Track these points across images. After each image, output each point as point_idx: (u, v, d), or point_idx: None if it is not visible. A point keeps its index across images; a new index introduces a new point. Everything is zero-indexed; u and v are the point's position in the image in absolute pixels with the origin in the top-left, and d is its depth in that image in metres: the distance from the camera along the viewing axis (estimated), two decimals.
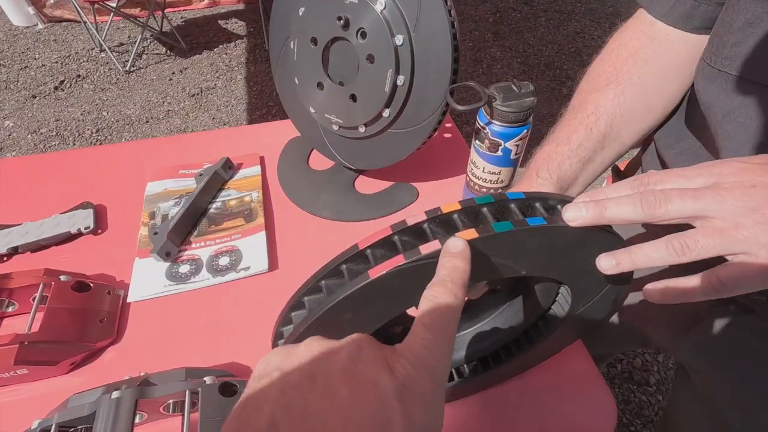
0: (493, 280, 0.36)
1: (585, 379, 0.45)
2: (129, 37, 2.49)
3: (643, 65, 0.42)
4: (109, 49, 2.25)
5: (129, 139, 1.88)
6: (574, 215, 0.25)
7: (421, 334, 0.20)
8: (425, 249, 0.22)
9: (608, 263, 0.26)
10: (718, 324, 0.45)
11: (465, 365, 0.40)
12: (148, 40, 2.44)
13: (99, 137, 1.89)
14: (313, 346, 0.21)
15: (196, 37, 2.49)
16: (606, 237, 0.27)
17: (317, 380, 0.19)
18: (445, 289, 0.22)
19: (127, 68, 2.23)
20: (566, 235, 0.25)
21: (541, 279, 0.35)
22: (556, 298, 0.35)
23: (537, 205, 0.26)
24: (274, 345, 0.28)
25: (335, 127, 0.57)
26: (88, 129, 1.92)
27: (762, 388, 0.43)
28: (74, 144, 1.85)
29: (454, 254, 0.23)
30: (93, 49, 2.36)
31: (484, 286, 0.37)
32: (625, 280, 0.32)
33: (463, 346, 0.40)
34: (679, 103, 0.44)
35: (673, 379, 1.09)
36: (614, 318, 0.59)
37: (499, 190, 0.53)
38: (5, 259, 0.54)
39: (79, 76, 2.20)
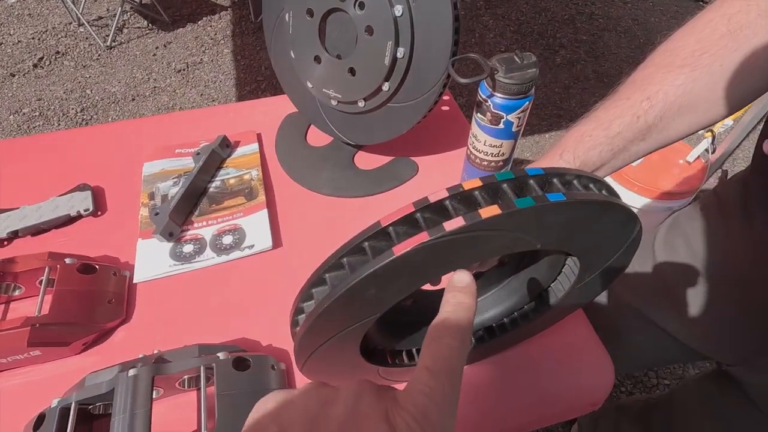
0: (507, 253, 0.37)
1: (584, 344, 0.47)
2: (108, 10, 2.38)
3: (734, 51, 0.35)
4: (88, 23, 2.16)
5: (116, 118, 1.83)
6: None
7: (424, 381, 0.19)
8: (449, 226, 0.23)
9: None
10: None
11: (471, 336, 0.41)
12: (128, 13, 2.34)
13: (84, 116, 1.84)
14: (310, 397, 0.20)
15: (178, 9, 2.39)
16: (620, 210, 0.27)
17: None
18: (448, 330, 0.20)
19: (108, 43, 2.15)
20: (584, 210, 0.26)
21: (550, 251, 0.35)
22: (563, 269, 0.36)
23: (555, 180, 0.26)
24: (294, 320, 0.29)
25: (333, 102, 0.57)
26: (73, 108, 1.86)
27: None
28: (59, 124, 1.80)
29: (459, 289, 0.22)
30: (71, 23, 2.26)
31: (495, 260, 0.38)
32: (633, 250, 0.33)
33: None
34: None
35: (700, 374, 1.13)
36: (663, 338, 0.58)
37: (501, 164, 0.53)
38: (5, 243, 0.54)
39: (58, 52, 2.12)
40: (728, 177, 0.51)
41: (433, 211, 0.24)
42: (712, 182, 1.27)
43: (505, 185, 0.25)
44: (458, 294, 0.22)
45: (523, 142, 1.78)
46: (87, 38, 2.19)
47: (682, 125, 0.38)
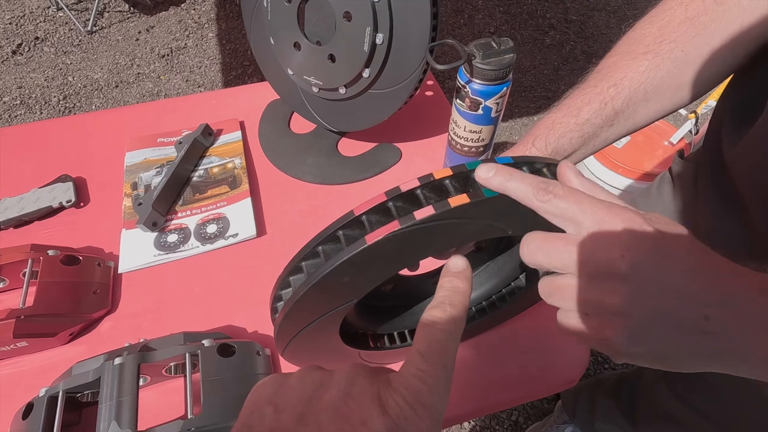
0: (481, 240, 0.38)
1: None
2: None
3: (693, 36, 0.36)
4: (67, 7, 2.09)
5: (99, 106, 1.80)
6: (483, 175, 0.24)
7: (417, 364, 0.19)
8: (420, 214, 0.23)
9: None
10: None
11: None
12: None
13: (67, 104, 1.80)
14: (305, 380, 0.20)
15: None
16: None
17: (307, 422, 0.18)
18: (443, 313, 0.21)
19: (89, 28, 2.09)
20: None
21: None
22: None
23: (524, 169, 0.27)
24: (273, 308, 0.29)
25: (315, 89, 0.56)
26: (55, 96, 1.82)
27: None
28: (41, 113, 1.77)
29: (454, 274, 0.22)
30: (49, 7, 2.19)
31: (471, 246, 0.39)
32: None
33: None
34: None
35: None
36: None
37: (481, 149, 0.54)
38: None
39: (37, 38, 2.06)
40: (683, 156, 0.52)
41: (404, 200, 0.25)
42: None
43: (475, 174, 0.26)
44: (453, 279, 0.23)
45: (512, 125, 1.78)
46: (66, 23, 2.12)
47: (649, 111, 0.38)
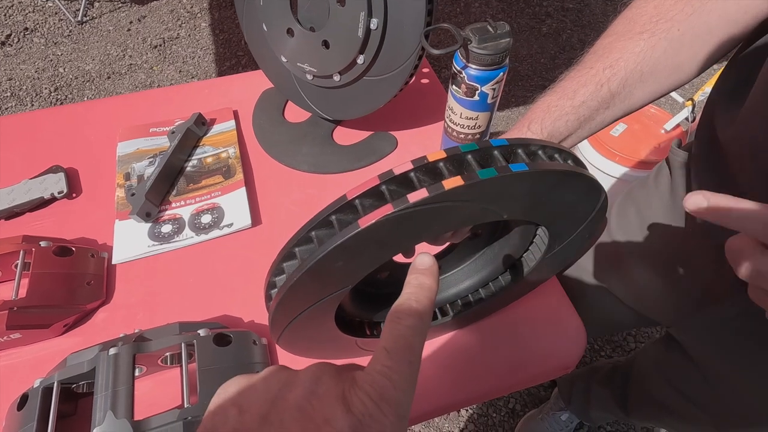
0: (476, 224, 0.38)
1: (558, 310, 0.48)
2: None
3: (690, 15, 0.35)
4: None
5: (91, 97, 1.78)
6: (693, 205, 0.23)
7: (382, 361, 0.19)
8: (413, 197, 0.23)
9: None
10: (735, 310, 0.46)
11: (449, 305, 0.42)
12: None
13: (58, 96, 1.78)
14: (271, 381, 0.20)
15: None
16: (585, 180, 0.28)
17: (272, 421, 0.18)
18: (409, 309, 0.21)
19: (80, 18, 2.05)
20: (547, 180, 0.26)
21: (519, 222, 0.36)
22: (534, 240, 0.37)
23: (519, 151, 0.26)
24: (267, 295, 0.29)
25: (309, 77, 0.56)
26: (46, 88, 1.80)
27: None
28: (32, 105, 1.74)
29: (421, 271, 0.22)
30: None
31: (467, 231, 0.38)
32: (600, 219, 0.33)
33: (448, 287, 0.42)
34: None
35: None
36: (617, 304, 0.60)
37: (478, 136, 0.53)
38: None
39: (26, 29, 2.02)
40: (680, 146, 0.51)
41: (398, 183, 0.24)
42: None
43: (469, 156, 0.25)
44: (420, 276, 0.23)
45: (509, 115, 1.77)
46: (56, 13, 2.09)
47: (645, 92, 0.38)
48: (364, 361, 0.46)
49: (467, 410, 1.10)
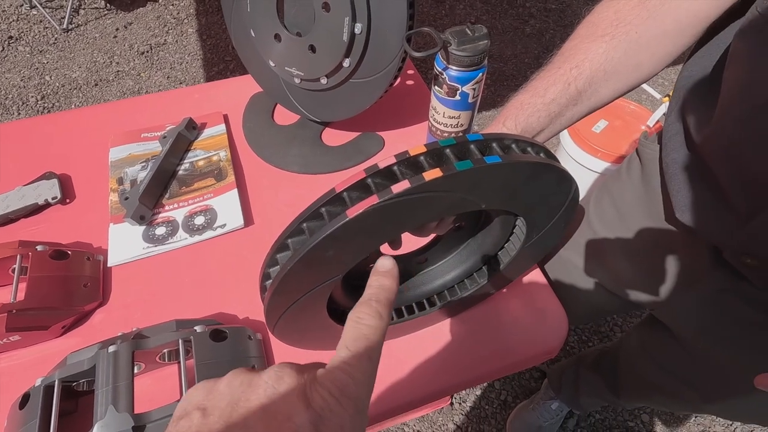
0: (457, 214, 0.40)
1: (540, 297, 0.50)
2: None
3: (646, 19, 0.38)
4: (41, 4, 2.05)
5: (78, 105, 1.77)
6: None
7: (343, 358, 0.20)
8: (396, 188, 0.25)
9: None
10: (712, 289, 0.48)
11: (436, 296, 0.44)
12: None
13: (46, 104, 1.77)
14: (234, 383, 0.20)
15: None
16: (556, 171, 0.30)
17: (235, 422, 0.19)
18: (369, 309, 0.22)
19: (65, 26, 2.05)
20: (520, 171, 0.28)
21: (499, 213, 0.38)
22: (514, 231, 0.39)
23: (494, 145, 0.28)
24: (262, 286, 0.31)
25: (297, 80, 0.57)
26: (32, 96, 1.79)
27: (748, 353, 0.48)
28: (19, 113, 1.73)
29: (381, 273, 0.24)
30: (22, 5, 2.14)
31: (450, 223, 0.40)
32: (573, 208, 0.36)
33: (434, 279, 0.44)
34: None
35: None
36: (600, 291, 0.63)
37: (461, 134, 0.55)
38: None
39: (11, 37, 2.01)
40: (647, 137, 0.54)
41: (383, 176, 0.26)
42: None
43: (447, 150, 0.27)
44: (380, 277, 0.24)
45: (494, 114, 1.80)
46: (41, 21, 2.08)
47: (609, 89, 0.41)
48: None
49: (460, 403, 1.12)
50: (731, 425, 1.11)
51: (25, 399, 0.38)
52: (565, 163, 1.25)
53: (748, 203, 0.36)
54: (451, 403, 1.12)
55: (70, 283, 0.47)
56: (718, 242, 0.40)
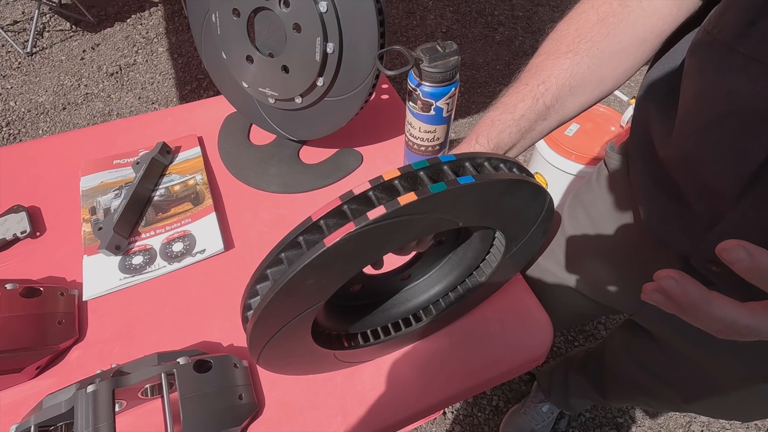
0: (436, 233, 0.40)
1: (525, 307, 0.51)
2: (23, 13, 2.21)
3: (606, 36, 0.40)
4: (2, 28, 1.99)
5: (47, 130, 1.72)
6: (737, 259, 0.22)
7: None
8: (372, 215, 0.25)
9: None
10: None
11: (422, 311, 0.44)
12: (48, 15, 2.18)
13: (11, 131, 1.72)
14: None
15: (103, 8, 2.25)
16: (529, 186, 0.30)
17: None
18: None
19: (29, 50, 1.99)
20: (494, 188, 0.29)
21: (478, 228, 0.39)
22: (493, 243, 0.40)
23: (467, 164, 0.29)
24: (243, 317, 0.30)
25: (271, 100, 0.57)
26: None
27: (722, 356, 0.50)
28: None
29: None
30: None
31: (430, 240, 0.41)
32: (549, 219, 0.36)
33: (419, 294, 0.44)
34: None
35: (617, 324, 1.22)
36: (581, 298, 0.64)
37: (437, 148, 0.56)
38: None
39: None
40: (613, 148, 0.56)
41: (358, 203, 0.27)
42: None
43: (421, 173, 0.27)
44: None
45: (470, 122, 1.83)
46: (3, 45, 2.02)
47: (575, 103, 0.42)
48: (342, 373, 0.48)
49: (453, 412, 1.12)
50: (731, 423, 1.14)
51: None
52: (542, 167, 1.27)
53: (708, 212, 0.38)
54: (444, 413, 1.11)
55: (43, 321, 0.45)
56: (684, 250, 0.42)
